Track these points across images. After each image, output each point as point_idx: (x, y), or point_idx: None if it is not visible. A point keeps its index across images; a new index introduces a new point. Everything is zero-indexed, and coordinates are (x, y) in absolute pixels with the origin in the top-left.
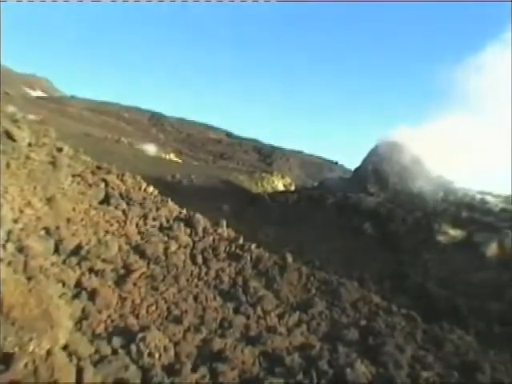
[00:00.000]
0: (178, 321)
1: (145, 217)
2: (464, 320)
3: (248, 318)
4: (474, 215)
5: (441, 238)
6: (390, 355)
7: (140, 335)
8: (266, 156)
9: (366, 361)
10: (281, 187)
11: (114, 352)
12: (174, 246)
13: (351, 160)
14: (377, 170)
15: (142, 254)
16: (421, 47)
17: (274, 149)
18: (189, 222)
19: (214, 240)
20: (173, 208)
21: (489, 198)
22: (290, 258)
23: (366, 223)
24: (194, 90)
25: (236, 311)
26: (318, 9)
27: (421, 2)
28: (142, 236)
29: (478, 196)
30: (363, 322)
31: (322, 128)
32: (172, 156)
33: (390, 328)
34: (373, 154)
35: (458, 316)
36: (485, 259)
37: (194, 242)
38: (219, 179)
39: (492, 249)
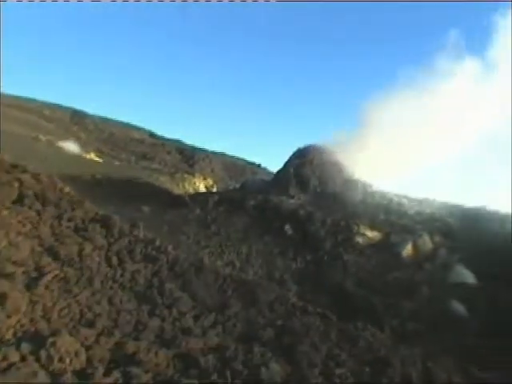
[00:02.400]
0: (90, 324)
1: (59, 218)
2: (380, 318)
3: (163, 320)
4: (391, 217)
5: (359, 240)
6: (305, 354)
7: (50, 340)
8: (189, 157)
9: (281, 360)
10: (202, 188)
11: (23, 358)
12: (88, 248)
13: (274, 162)
14: (298, 172)
15: (55, 256)
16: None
17: (196, 150)
18: (105, 224)
19: (130, 241)
20: (89, 209)
21: (404, 201)
22: (206, 260)
23: (286, 225)
24: (118, 88)
25: (151, 313)
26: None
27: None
28: (55, 237)
29: (395, 199)
30: (279, 322)
31: (246, 130)
32: (93, 155)
33: (305, 327)
34: (295, 157)
35: (375, 314)
36: (400, 259)
37: (109, 244)
38: (140, 180)
39: (407, 249)
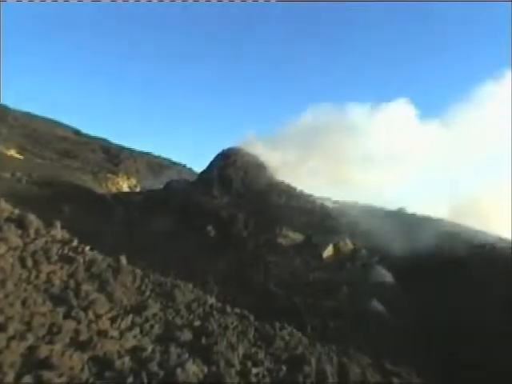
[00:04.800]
0: (1, 328)
1: None
2: (301, 317)
3: (79, 322)
4: (313, 219)
5: (281, 241)
6: (222, 354)
7: None
8: (114, 156)
9: (198, 360)
10: (126, 188)
11: None
12: (2, 249)
13: (200, 163)
14: (222, 174)
15: None
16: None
17: (122, 149)
18: (20, 223)
19: (46, 242)
20: (4, 208)
21: (327, 204)
22: (124, 261)
23: (209, 226)
24: (42, 84)
25: (66, 316)
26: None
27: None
28: None
29: (318, 202)
30: (197, 323)
31: (173, 130)
32: (13, 152)
33: (222, 328)
34: (219, 158)
35: (296, 313)
36: (321, 260)
37: (24, 244)
38: (62, 179)
39: (328, 250)
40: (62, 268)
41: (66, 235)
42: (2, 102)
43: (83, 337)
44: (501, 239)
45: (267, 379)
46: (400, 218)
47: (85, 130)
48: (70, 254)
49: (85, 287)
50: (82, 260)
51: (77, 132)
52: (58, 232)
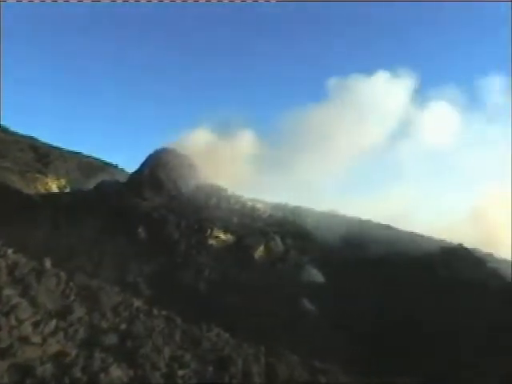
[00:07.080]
0: None
1: None
2: (231, 318)
3: None
4: (245, 221)
5: (213, 242)
6: (148, 357)
7: None
8: (43, 156)
9: (124, 364)
10: (55, 189)
11: None
12: None
13: (132, 163)
14: (153, 175)
15: None
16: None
17: (52, 148)
18: None
19: None
20: None
21: (258, 205)
22: (48, 264)
23: (139, 227)
24: None
25: None
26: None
27: None
28: None
29: (249, 203)
30: (123, 326)
31: (104, 129)
32: None
33: (148, 330)
34: (150, 159)
35: (226, 315)
36: (253, 261)
37: None
38: None
39: (259, 251)
40: None
41: None
42: None
43: (3, 343)
44: (430, 239)
45: (193, 380)
46: (331, 219)
47: (13, 127)
48: None
49: (6, 291)
50: (4, 263)
51: (5, 130)
52: None
